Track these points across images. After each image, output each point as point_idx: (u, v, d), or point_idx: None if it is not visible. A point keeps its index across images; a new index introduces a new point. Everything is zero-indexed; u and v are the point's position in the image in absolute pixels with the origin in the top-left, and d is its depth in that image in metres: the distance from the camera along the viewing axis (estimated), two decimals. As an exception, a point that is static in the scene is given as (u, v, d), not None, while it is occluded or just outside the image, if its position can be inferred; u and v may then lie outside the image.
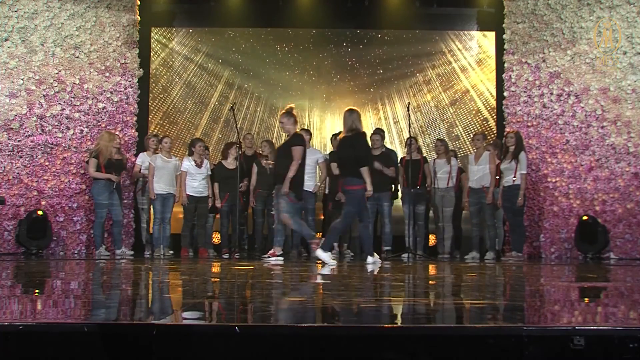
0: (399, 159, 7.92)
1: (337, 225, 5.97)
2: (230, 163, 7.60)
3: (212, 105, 9.22)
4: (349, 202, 5.99)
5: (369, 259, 5.92)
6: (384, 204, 7.47)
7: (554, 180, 8.06)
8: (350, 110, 6.06)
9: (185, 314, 2.33)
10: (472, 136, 8.15)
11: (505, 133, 7.72)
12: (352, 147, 5.89)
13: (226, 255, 7.39)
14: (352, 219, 6.16)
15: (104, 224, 7.53)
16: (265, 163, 7.44)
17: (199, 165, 7.49)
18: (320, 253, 5.70)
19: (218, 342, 1.83)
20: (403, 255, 7.15)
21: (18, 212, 7.70)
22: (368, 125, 9.08)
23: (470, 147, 8.64)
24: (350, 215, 6.00)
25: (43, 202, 7.82)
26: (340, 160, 6.14)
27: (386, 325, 2.01)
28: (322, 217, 8.22)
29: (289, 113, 6.23)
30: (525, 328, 1.85)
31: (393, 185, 7.73)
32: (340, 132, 7.91)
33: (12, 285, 3.69)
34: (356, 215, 6.09)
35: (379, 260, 6.11)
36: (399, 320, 2.29)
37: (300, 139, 6.23)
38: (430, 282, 4.25)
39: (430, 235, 8.04)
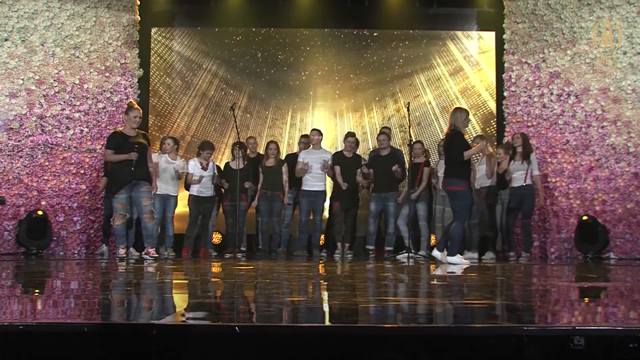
0: (406, 160, 7.93)
1: (455, 230, 5.95)
2: (235, 163, 7.60)
3: (212, 105, 9.22)
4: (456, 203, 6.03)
5: (450, 258, 5.91)
6: (390, 204, 7.46)
7: (554, 180, 8.06)
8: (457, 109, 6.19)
9: (185, 314, 2.33)
10: (472, 137, 8.13)
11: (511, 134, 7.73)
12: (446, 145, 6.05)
13: (228, 255, 7.39)
14: (464, 218, 6.15)
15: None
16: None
17: (204, 168, 7.49)
18: (451, 259, 5.88)
19: (218, 342, 1.83)
20: (404, 256, 7.14)
21: (18, 212, 7.70)
22: (368, 125, 9.09)
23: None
24: (462, 216, 6.03)
25: (43, 202, 7.82)
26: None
27: (386, 325, 2.01)
28: (327, 217, 8.18)
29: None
30: (525, 328, 1.85)
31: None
32: (349, 133, 7.95)
33: (12, 285, 3.69)
34: (469, 213, 6.19)
35: (463, 262, 5.99)
36: (399, 321, 2.29)
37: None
38: (430, 282, 4.25)
39: (431, 235, 8.03)
